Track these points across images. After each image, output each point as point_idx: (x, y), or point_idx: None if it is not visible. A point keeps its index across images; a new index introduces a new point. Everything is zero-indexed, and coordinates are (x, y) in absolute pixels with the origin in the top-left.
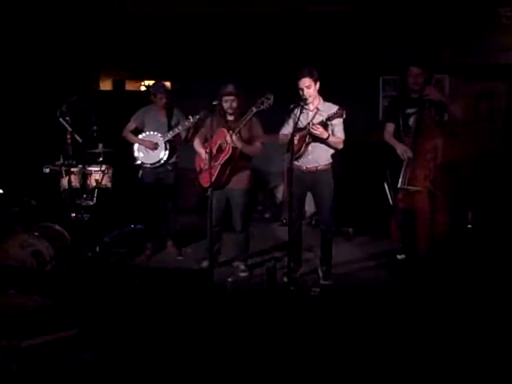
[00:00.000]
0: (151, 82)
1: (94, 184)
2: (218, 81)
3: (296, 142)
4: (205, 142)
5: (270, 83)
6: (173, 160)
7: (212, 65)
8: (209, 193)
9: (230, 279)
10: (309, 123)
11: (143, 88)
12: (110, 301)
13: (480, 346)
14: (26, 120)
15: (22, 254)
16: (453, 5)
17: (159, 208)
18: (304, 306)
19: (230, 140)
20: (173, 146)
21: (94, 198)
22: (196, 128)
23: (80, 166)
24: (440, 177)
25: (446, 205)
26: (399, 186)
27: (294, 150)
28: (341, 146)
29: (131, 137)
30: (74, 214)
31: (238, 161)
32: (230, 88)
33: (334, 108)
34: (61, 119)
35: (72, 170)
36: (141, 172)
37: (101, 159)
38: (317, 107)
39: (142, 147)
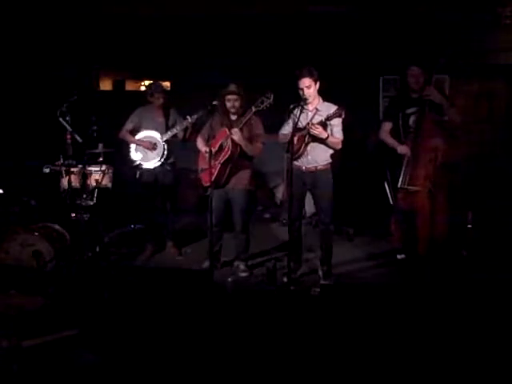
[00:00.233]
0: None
1: (94, 184)
2: (218, 81)
3: (295, 142)
4: (207, 140)
5: (270, 83)
6: (171, 160)
7: (212, 65)
8: (209, 192)
9: (230, 279)
10: (308, 123)
11: (143, 88)
12: (110, 301)
13: (480, 346)
14: (26, 120)
15: (22, 253)
16: (453, 5)
17: (158, 208)
18: (304, 305)
19: (234, 135)
20: (171, 146)
21: (94, 198)
22: (194, 128)
23: (80, 165)
24: (440, 177)
25: (445, 205)
26: (399, 185)
27: (293, 150)
28: (339, 147)
29: (129, 138)
30: (74, 214)
31: (238, 160)
32: (233, 87)
33: (333, 108)
34: (61, 119)
35: (72, 169)
36: (138, 173)
37: (101, 159)
38: (316, 107)
39: (140, 148)
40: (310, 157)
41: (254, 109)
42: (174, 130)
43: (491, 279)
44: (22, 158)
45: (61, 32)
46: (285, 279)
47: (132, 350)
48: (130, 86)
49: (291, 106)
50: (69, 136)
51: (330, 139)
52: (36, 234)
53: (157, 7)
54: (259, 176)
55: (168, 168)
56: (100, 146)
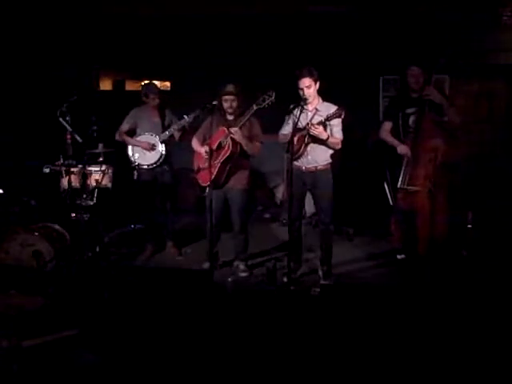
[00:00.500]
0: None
1: (94, 184)
2: (218, 81)
3: (295, 142)
4: (203, 141)
5: (270, 83)
6: (169, 160)
7: (212, 65)
8: (207, 192)
9: (230, 279)
10: (308, 123)
11: None
12: (110, 301)
13: (480, 346)
14: (26, 120)
15: (22, 253)
16: (453, 5)
17: (158, 208)
18: (304, 305)
19: (234, 133)
20: (169, 146)
21: (94, 198)
22: (190, 128)
23: (80, 165)
24: (440, 177)
25: (445, 205)
26: (399, 185)
27: (293, 150)
28: (339, 147)
29: (127, 139)
30: (74, 214)
31: (237, 160)
32: (230, 88)
33: (332, 108)
34: (61, 119)
35: (72, 169)
36: (136, 173)
37: (101, 159)
38: (316, 107)
39: (139, 148)
40: (310, 157)
41: (255, 107)
42: (172, 130)
43: (491, 279)
44: (22, 157)
45: (61, 32)
46: (285, 279)
47: (132, 349)
48: (130, 86)
49: (291, 106)
50: (69, 136)
51: (330, 139)
52: (36, 233)
53: (157, 7)
54: (259, 176)
55: (166, 168)
56: (100, 145)
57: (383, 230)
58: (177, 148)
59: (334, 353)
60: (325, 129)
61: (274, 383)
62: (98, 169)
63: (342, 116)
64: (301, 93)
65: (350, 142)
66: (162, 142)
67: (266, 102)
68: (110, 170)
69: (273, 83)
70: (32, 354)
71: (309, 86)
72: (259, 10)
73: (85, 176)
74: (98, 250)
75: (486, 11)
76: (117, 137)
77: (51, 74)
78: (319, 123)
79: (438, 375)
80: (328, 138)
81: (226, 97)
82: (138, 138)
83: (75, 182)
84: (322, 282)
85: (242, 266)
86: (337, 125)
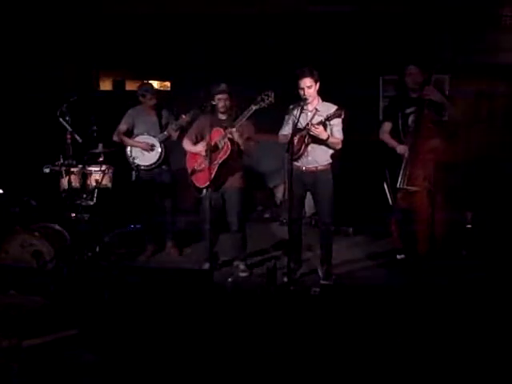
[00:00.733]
0: (151, 82)
1: (94, 184)
2: (218, 81)
3: (295, 142)
4: (195, 141)
5: (270, 83)
6: (168, 160)
7: (212, 65)
8: (204, 193)
9: (230, 279)
10: (308, 124)
11: None
12: (110, 301)
13: (480, 346)
14: (26, 120)
15: (22, 254)
16: (453, 5)
17: (158, 209)
18: (304, 306)
19: (233, 134)
20: (168, 146)
21: (94, 198)
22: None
23: (80, 165)
24: (440, 177)
25: (445, 205)
26: (398, 185)
27: (293, 151)
28: (339, 147)
29: (126, 139)
30: (74, 214)
31: (234, 159)
32: (223, 87)
33: (332, 108)
34: (61, 119)
35: (72, 169)
36: (134, 174)
37: (101, 159)
38: (316, 107)
39: (138, 149)
40: (310, 157)
41: (253, 107)
42: (170, 130)
43: (491, 279)
44: (22, 158)
45: (61, 32)
46: (285, 279)
47: (132, 349)
48: (130, 86)
49: (291, 107)
50: (69, 136)
51: (330, 139)
52: (36, 233)
53: (157, 7)
54: (259, 176)
55: (165, 168)
56: (100, 145)
57: (383, 230)
58: (176, 148)
59: (334, 353)
60: (325, 129)
61: (274, 383)
62: (98, 169)
63: (342, 116)
64: (301, 93)
65: (350, 142)
66: (160, 143)
67: (265, 101)
68: (110, 170)
69: (272, 83)
70: (32, 353)
71: (310, 86)
72: (259, 9)
73: (85, 176)
74: (97, 249)
75: (486, 11)
76: (114, 137)
77: (51, 74)
78: (319, 123)
79: (438, 375)
80: (328, 137)
81: (220, 96)
82: (137, 139)
83: (75, 182)
84: (322, 282)
85: (241, 266)
86: (337, 125)
